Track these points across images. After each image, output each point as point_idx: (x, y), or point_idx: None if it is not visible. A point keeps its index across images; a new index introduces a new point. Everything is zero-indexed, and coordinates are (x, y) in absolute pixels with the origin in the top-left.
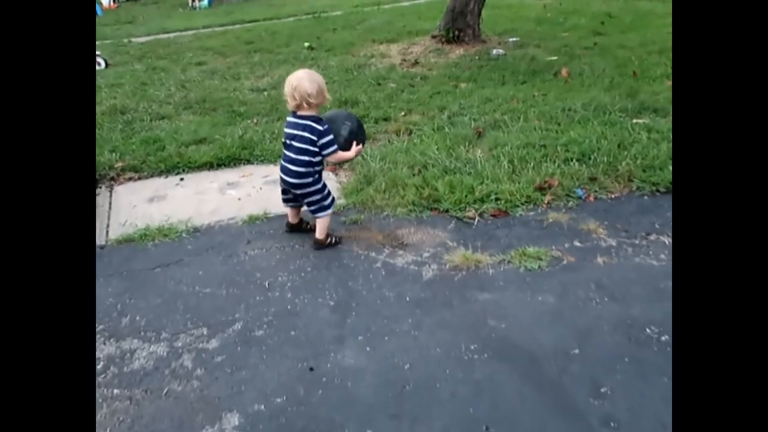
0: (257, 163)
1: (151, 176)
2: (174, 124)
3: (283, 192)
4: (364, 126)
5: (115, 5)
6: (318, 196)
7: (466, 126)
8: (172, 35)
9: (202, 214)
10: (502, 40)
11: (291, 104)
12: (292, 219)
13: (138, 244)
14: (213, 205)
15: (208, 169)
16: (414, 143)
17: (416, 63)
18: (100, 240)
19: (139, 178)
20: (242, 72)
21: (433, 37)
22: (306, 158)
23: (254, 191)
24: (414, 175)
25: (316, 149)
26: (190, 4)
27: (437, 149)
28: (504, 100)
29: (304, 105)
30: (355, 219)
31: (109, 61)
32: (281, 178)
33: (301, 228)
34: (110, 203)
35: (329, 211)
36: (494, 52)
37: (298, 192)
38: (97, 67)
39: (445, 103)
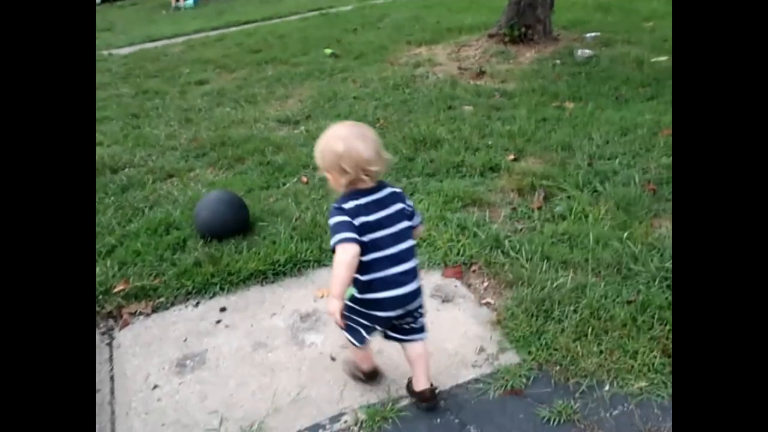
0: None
1: (173, 304)
2: (189, 191)
3: (381, 324)
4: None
5: None
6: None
7: (627, 179)
8: (159, 44)
9: (280, 406)
10: (577, 35)
11: (339, 181)
12: (373, 361)
13: None
14: (291, 377)
15: (261, 283)
16: (565, 219)
17: (482, 72)
18: None
19: (155, 310)
20: (258, 93)
21: (491, 36)
22: (413, 242)
23: None
24: (624, 294)
25: (409, 222)
26: (173, 5)
27: (616, 232)
28: (649, 129)
29: (363, 178)
30: (561, 409)
31: None
32: (398, 296)
33: None
34: (112, 377)
35: None
36: (579, 53)
37: (420, 299)
38: None
39: (565, 137)
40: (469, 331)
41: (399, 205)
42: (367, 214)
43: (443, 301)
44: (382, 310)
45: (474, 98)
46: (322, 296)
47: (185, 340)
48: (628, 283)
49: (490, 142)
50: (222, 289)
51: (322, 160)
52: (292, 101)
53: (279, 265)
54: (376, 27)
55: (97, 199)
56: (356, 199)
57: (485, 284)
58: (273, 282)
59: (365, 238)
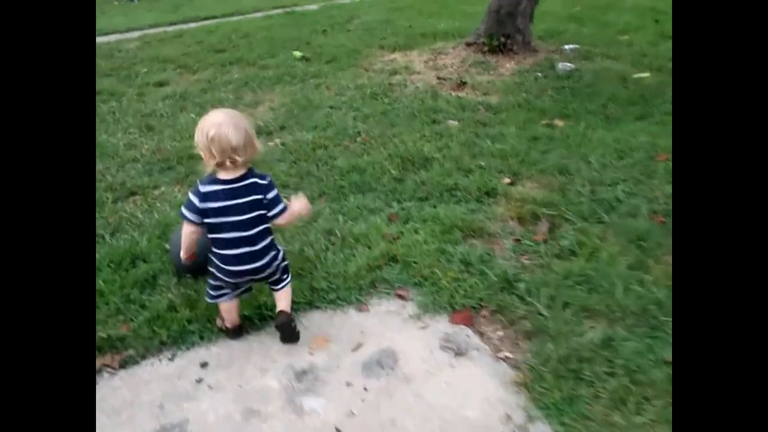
0: (333, 307)
1: (144, 357)
2: (156, 213)
3: (232, 286)
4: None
5: None
6: (285, 263)
7: (633, 210)
8: (112, 38)
9: None
10: (555, 47)
11: (209, 162)
12: (236, 318)
13: None
14: None
15: (246, 331)
16: (575, 255)
17: (462, 83)
18: None
19: (123, 365)
20: (225, 98)
21: (469, 44)
22: (264, 226)
23: (354, 397)
24: (658, 352)
25: (265, 211)
26: None
27: (635, 272)
28: (645, 152)
29: (228, 164)
30: None
31: None
32: (236, 271)
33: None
34: None
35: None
36: (560, 66)
37: (266, 273)
38: None
39: (560, 160)
40: (489, 393)
41: (255, 196)
42: (216, 200)
43: (456, 355)
44: (228, 277)
45: (458, 112)
46: (315, 346)
47: (161, 406)
48: (659, 335)
49: (482, 163)
50: (201, 338)
51: (197, 140)
52: (262, 108)
53: (265, 308)
54: (345, 29)
55: None
56: (214, 185)
57: (500, 333)
58: (260, 329)
59: (210, 220)
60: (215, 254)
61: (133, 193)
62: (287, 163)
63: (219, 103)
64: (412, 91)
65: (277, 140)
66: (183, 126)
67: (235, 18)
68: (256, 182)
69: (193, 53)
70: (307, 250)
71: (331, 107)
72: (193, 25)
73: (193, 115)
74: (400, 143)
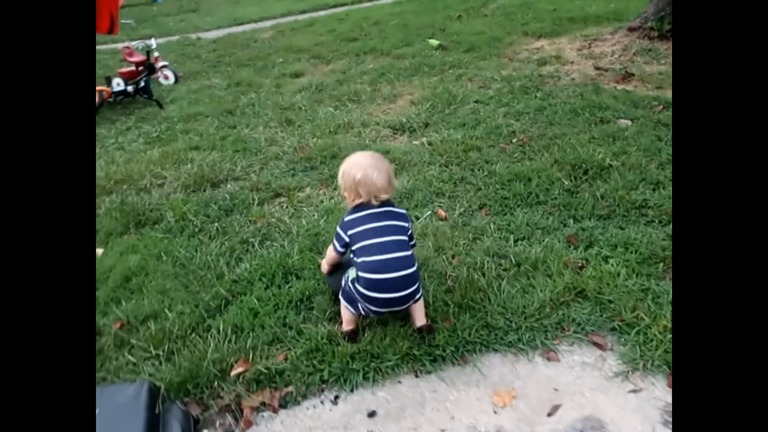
0: (514, 352)
1: (305, 397)
2: (304, 219)
3: (373, 313)
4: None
5: None
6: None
7: None
8: (247, 28)
9: None
10: None
11: (353, 200)
12: (355, 324)
13: None
14: None
15: (415, 373)
16: None
17: (628, 75)
18: None
19: (283, 405)
20: (361, 90)
21: (632, 29)
22: (405, 253)
23: None
24: None
25: (407, 239)
26: None
27: None
28: None
29: (372, 202)
30: None
31: (178, 73)
32: (379, 300)
33: None
34: None
35: None
36: None
37: (409, 303)
38: (165, 82)
39: None
40: None
41: (392, 222)
42: (359, 225)
43: None
44: (373, 305)
45: (629, 109)
46: (504, 406)
47: None
48: None
49: (669, 174)
50: (366, 378)
51: (343, 182)
52: (402, 102)
53: (436, 348)
54: (482, 14)
55: (199, 225)
56: (357, 211)
57: None
58: (430, 372)
59: (358, 245)
60: (363, 282)
61: (278, 194)
62: (437, 167)
63: (356, 96)
64: (568, 83)
65: (423, 139)
66: (322, 120)
67: (364, 5)
68: (390, 210)
69: (325, 42)
70: (476, 276)
71: (477, 102)
72: (322, 12)
73: (331, 109)
74: (567, 146)
